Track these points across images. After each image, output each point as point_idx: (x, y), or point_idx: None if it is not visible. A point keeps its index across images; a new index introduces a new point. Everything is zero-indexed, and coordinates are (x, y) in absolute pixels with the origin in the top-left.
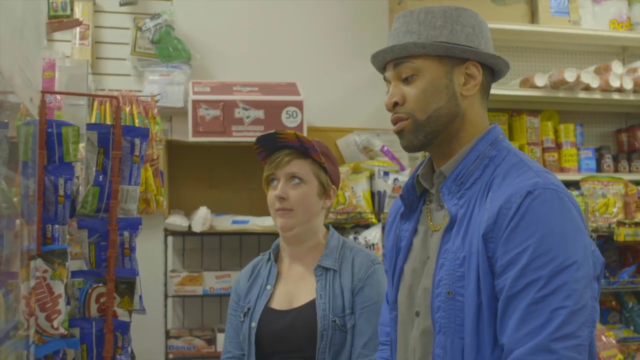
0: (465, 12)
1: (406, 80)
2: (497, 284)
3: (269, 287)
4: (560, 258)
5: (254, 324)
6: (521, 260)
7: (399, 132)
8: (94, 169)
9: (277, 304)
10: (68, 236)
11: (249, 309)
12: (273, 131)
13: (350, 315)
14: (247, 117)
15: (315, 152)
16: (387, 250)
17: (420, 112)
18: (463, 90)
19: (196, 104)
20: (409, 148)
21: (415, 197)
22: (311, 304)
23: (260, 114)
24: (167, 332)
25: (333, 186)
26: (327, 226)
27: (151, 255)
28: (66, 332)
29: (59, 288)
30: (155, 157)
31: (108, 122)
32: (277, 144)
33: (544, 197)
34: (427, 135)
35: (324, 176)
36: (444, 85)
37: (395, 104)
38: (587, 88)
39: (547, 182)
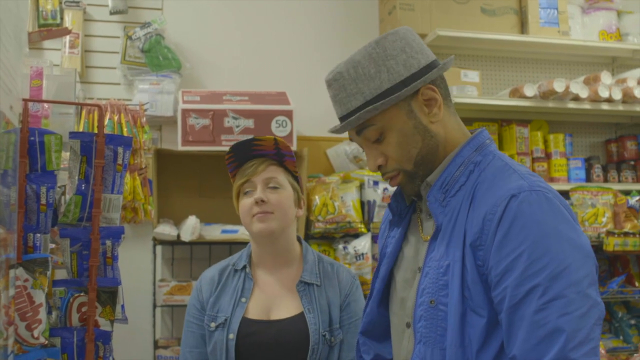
0: (385, 40)
1: (378, 141)
2: (496, 295)
3: (243, 299)
4: (558, 260)
5: (232, 335)
6: (517, 266)
7: (398, 186)
8: (77, 177)
9: (254, 314)
10: (53, 245)
11: (225, 319)
12: (250, 137)
13: (338, 329)
14: (237, 127)
15: (291, 160)
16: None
17: (406, 163)
18: (430, 118)
19: (186, 113)
20: (414, 195)
21: (404, 206)
22: (298, 318)
23: (250, 123)
24: (155, 342)
25: (302, 196)
26: (299, 240)
27: (140, 265)
28: (47, 341)
29: (39, 297)
30: (143, 166)
31: (96, 131)
32: (251, 153)
33: (531, 199)
34: (423, 177)
35: (297, 185)
36: (412, 126)
37: (380, 166)
38: (577, 98)
39: (532, 184)
